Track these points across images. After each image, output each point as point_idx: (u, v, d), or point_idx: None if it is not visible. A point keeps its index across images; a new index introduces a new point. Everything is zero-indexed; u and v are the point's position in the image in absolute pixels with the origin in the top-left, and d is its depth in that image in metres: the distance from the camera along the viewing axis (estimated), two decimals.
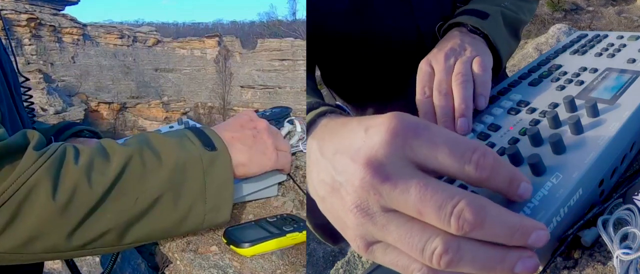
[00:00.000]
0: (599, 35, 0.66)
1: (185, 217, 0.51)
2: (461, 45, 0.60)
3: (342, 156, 0.30)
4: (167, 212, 0.49)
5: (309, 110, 0.42)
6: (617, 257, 0.35)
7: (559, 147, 0.42)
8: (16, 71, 0.69)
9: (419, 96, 0.55)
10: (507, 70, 0.83)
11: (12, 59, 0.68)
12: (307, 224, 0.53)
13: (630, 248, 0.35)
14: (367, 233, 0.30)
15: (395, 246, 0.29)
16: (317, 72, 0.87)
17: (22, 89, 0.70)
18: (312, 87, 0.64)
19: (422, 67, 0.57)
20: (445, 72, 0.55)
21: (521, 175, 0.32)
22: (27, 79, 0.72)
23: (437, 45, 0.63)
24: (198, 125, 0.93)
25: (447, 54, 0.57)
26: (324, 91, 0.87)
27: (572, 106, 0.47)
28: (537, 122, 0.48)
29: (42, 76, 15.43)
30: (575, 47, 0.64)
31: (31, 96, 0.73)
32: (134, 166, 0.48)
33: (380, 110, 0.42)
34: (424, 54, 0.60)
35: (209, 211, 0.52)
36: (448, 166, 0.29)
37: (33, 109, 0.72)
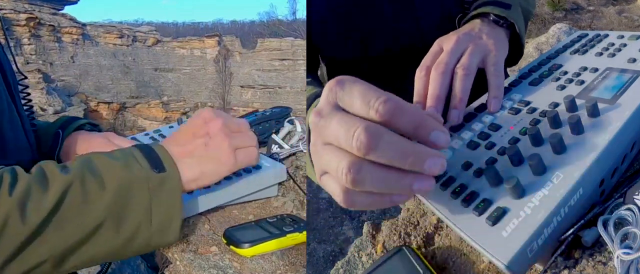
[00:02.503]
0: (599, 34, 0.66)
1: (130, 240, 0.49)
2: (478, 33, 0.58)
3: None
4: (108, 238, 0.47)
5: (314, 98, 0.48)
6: (617, 257, 0.35)
7: (559, 147, 0.41)
8: (15, 70, 0.69)
9: (418, 71, 0.54)
10: (507, 69, 0.82)
11: (11, 59, 0.68)
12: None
13: (630, 248, 0.35)
14: (317, 163, 0.38)
15: (328, 172, 0.37)
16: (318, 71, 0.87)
17: (20, 87, 0.70)
18: (316, 81, 0.64)
19: (433, 46, 0.56)
20: (451, 54, 0.53)
21: (434, 123, 0.37)
22: (25, 78, 0.72)
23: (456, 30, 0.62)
24: None
25: (460, 38, 0.56)
26: None
27: (572, 105, 0.46)
28: (537, 121, 0.48)
29: (41, 75, 15.42)
30: (576, 46, 0.64)
31: (29, 94, 0.73)
32: (73, 194, 0.46)
33: None
34: (425, 52, 0.60)
35: (155, 232, 0.50)
36: (360, 110, 0.36)
37: (32, 107, 0.72)
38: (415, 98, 0.52)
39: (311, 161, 0.41)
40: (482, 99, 0.58)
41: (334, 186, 0.37)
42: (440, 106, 0.51)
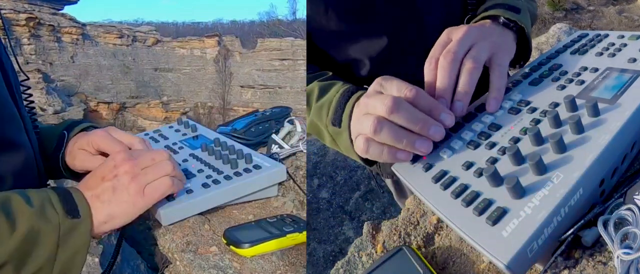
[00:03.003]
0: (599, 34, 0.66)
1: None
2: (489, 30, 0.60)
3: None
4: None
5: (351, 93, 0.59)
6: (617, 257, 0.35)
7: (559, 146, 0.41)
8: (16, 70, 0.69)
9: (427, 62, 0.55)
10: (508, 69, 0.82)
11: (12, 59, 0.68)
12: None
13: (631, 248, 0.35)
14: (354, 129, 0.55)
15: (360, 130, 0.52)
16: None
17: (22, 87, 0.70)
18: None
19: (442, 36, 0.57)
20: (460, 43, 0.54)
21: (444, 108, 0.51)
22: (27, 78, 0.72)
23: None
24: (198, 125, 0.93)
25: (470, 30, 0.56)
26: None
27: (572, 105, 0.46)
28: (537, 121, 0.48)
29: (41, 75, 15.41)
30: (576, 46, 0.64)
31: (31, 94, 0.73)
32: None
33: None
34: (428, 52, 0.60)
35: None
36: (394, 93, 0.51)
37: (33, 108, 0.72)
38: (425, 88, 0.54)
39: (349, 135, 0.55)
40: (483, 99, 0.58)
41: (360, 141, 0.50)
42: (448, 96, 0.53)
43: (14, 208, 0.49)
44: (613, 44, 0.60)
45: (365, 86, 0.58)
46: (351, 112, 0.55)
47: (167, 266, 0.61)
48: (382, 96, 0.50)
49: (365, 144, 0.50)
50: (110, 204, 0.55)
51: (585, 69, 0.56)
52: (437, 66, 0.53)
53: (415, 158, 0.51)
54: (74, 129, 0.72)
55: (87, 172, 0.62)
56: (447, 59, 0.53)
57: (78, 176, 0.71)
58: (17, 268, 0.48)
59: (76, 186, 0.57)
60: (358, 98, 0.55)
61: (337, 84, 0.63)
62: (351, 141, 0.55)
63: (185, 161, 0.77)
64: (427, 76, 0.55)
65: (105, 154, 0.68)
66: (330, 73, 0.69)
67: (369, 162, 0.60)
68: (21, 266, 0.48)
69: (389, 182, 1.04)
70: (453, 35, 0.56)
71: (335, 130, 0.58)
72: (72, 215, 0.51)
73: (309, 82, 0.67)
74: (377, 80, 0.53)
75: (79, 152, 0.69)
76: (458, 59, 0.53)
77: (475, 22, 0.68)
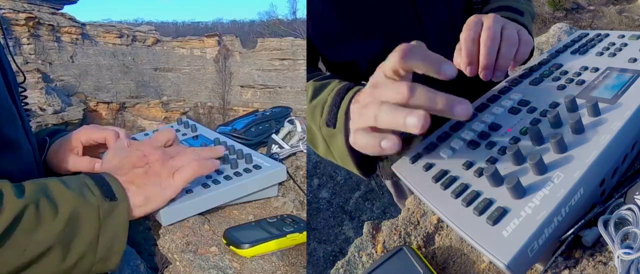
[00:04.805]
0: (600, 34, 0.66)
1: (73, 267, 0.50)
2: (506, 19, 0.62)
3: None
4: (54, 263, 0.49)
5: (347, 89, 0.55)
6: (618, 257, 0.35)
7: (560, 146, 0.41)
8: (14, 70, 0.69)
9: (466, 33, 0.58)
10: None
11: (10, 58, 0.68)
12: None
13: (631, 248, 0.35)
14: (362, 120, 0.49)
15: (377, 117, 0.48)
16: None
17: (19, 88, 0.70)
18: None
19: (471, 19, 0.60)
20: (495, 20, 0.58)
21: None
22: (25, 79, 0.73)
23: None
24: (198, 125, 0.93)
25: (496, 16, 0.59)
26: None
27: (573, 105, 0.46)
28: (538, 121, 0.48)
29: (40, 75, 15.40)
30: (576, 46, 0.64)
31: (26, 96, 0.73)
32: (27, 217, 0.47)
33: None
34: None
35: (98, 261, 0.51)
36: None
37: (28, 109, 0.73)
38: (467, 60, 0.57)
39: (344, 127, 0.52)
40: (483, 99, 0.58)
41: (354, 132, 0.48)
42: (491, 68, 0.57)
43: (54, 192, 0.50)
44: (613, 44, 0.60)
45: (363, 82, 0.58)
46: (347, 110, 0.52)
47: (166, 267, 0.61)
48: (392, 82, 0.46)
49: (354, 135, 0.48)
50: (144, 187, 0.57)
51: (586, 68, 0.56)
52: (478, 41, 0.57)
53: (416, 158, 0.51)
54: (57, 135, 0.73)
55: (77, 172, 0.64)
56: (490, 36, 0.56)
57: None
58: (64, 251, 0.49)
59: (105, 172, 0.58)
60: (355, 93, 0.52)
61: (333, 82, 0.59)
62: (347, 144, 0.52)
63: None
64: (466, 47, 0.57)
65: (93, 154, 0.70)
66: (328, 73, 0.68)
67: (366, 172, 0.60)
68: (66, 251, 0.49)
69: (388, 183, 1.03)
70: (484, 18, 0.59)
71: (329, 132, 0.55)
72: (109, 197, 0.53)
73: (307, 83, 0.67)
74: (378, 71, 0.49)
75: (65, 154, 0.70)
76: (498, 38, 0.57)
77: None
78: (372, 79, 0.50)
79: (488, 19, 0.58)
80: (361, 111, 0.49)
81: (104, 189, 0.53)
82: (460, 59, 0.58)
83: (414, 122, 0.42)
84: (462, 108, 0.42)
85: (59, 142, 0.72)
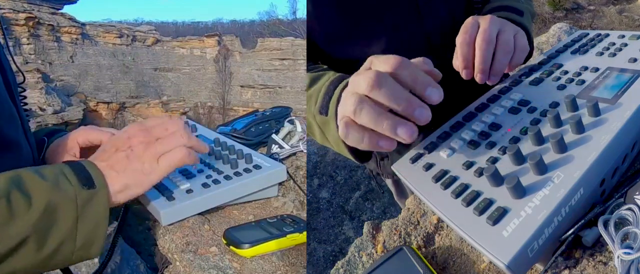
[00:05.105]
0: (600, 34, 0.66)
1: (52, 257, 0.49)
2: (504, 21, 0.64)
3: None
4: (30, 254, 0.48)
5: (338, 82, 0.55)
6: (618, 257, 0.35)
7: (560, 146, 0.41)
8: (14, 70, 0.69)
9: (462, 37, 0.59)
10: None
11: (10, 59, 0.68)
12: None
13: (631, 248, 0.35)
14: (340, 111, 0.49)
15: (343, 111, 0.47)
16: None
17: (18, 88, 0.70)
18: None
19: (468, 20, 0.61)
20: (492, 23, 0.59)
21: (430, 81, 0.44)
22: (24, 79, 0.73)
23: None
24: (198, 125, 0.92)
25: (493, 18, 0.61)
26: None
27: (573, 105, 0.46)
28: (538, 121, 0.48)
29: (40, 75, 15.39)
30: (577, 46, 0.64)
31: (25, 97, 0.73)
32: None
33: None
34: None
35: (78, 249, 0.51)
36: (379, 68, 0.46)
37: (27, 109, 0.73)
38: (462, 63, 0.59)
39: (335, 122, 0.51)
40: (483, 99, 0.58)
41: (341, 124, 0.46)
42: (486, 72, 0.58)
43: (27, 183, 0.49)
44: (613, 44, 0.60)
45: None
46: (339, 98, 0.51)
47: (166, 267, 0.61)
48: (368, 71, 0.45)
49: (345, 128, 0.45)
50: (125, 173, 0.55)
51: (586, 68, 0.56)
52: (473, 45, 0.58)
53: (416, 158, 0.51)
54: (55, 135, 0.73)
55: None
56: (485, 40, 0.58)
57: None
58: (38, 243, 0.48)
59: (90, 158, 0.57)
60: (347, 83, 0.52)
61: (329, 73, 0.60)
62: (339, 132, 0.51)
63: None
64: (462, 51, 0.59)
65: (90, 156, 0.69)
66: (326, 66, 0.68)
67: (360, 158, 0.58)
68: (43, 241, 0.48)
69: (389, 182, 1.03)
70: (481, 20, 0.60)
71: (322, 119, 0.55)
72: (87, 186, 0.51)
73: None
74: (370, 58, 0.49)
75: (62, 155, 0.70)
76: (493, 41, 0.58)
77: None
78: (361, 66, 0.50)
79: (484, 22, 0.59)
80: (344, 99, 0.48)
81: (82, 176, 0.52)
82: (457, 62, 0.59)
83: (385, 146, 0.43)
84: (406, 130, 0.42)
85: (56, 143, 0.72)
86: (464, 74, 0.60)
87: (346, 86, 0.52)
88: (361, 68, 0.49)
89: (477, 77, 0.59)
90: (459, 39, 0.59)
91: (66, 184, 0.51)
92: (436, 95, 0.44)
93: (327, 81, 0.57)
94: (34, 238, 0.48)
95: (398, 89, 0.43)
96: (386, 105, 0.43)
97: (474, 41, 0.58)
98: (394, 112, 0.43)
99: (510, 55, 0.59)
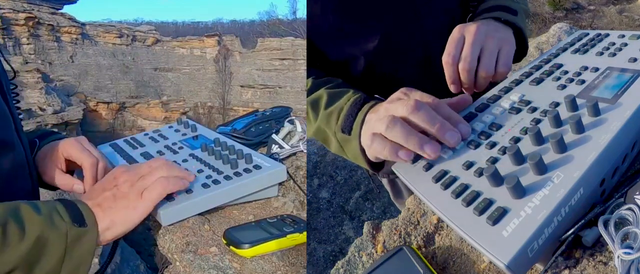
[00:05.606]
0: (600, 34, 0.66)
1: None
2: (494, 27, 0.67)
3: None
4: None
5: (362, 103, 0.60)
6: (618, 257, 0.35)
7: (560, 146, 0.41)
8: (7, 69, 0.69)
9: (446, 58, 0.64)
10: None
11: (1, 58, 0.69)
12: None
13: (631, 248, 0.35)
14: (371, 127, 0.55)
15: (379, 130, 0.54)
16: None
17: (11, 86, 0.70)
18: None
19: (454, 33, 0.64)
20: (474, 45, 0.63)
21: (452, 125, 0.50)
22: (15, 76, 0.73)
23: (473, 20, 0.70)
24: (198, 125, 0.92)
25: (480, 28, 0.64)
26: None
27: (573, 105, 0.46)
28: (538, 121, 0.48)
29: (40, 75, 15.39)
30: (577, 46, 0.64)
31: (18, 94, 0.73)
32: None
33: None
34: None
35: None
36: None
37: (19, 109, 0.73)
38: (449, 80, 0.65)
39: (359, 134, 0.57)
40: (483, 99, 0.58)
41: (366, 135, 0.54)
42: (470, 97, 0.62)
43: (23, 215, 0.51)
44: (614, 44, 0.60)
45: (376, 96, 0.64)
46: (363, 121, 0.57)
47: (166, 267, 0.61)
48: (405, 99, 0.53)
49: (371, 139, 0.52)
50: (111, 210, 0.57)
51: (586, 68, 0.56)
52: (456, 65, 0.63)
53: (416, 158, 0.51)
54: (47, 138, 0.74)
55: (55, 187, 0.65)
56: (466, 68, 0.63)
57: (44, 185, 0.73)
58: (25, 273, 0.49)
59: (79, 198, 0.59)
60: (371, 107, 0.58)
61: (348, 92, 0.64)
62: (361, 148, 0.56)
63: (185, 161, 0.77)
64: (449, 71, 0.64)
65: (71, 172, 0.71)
66: (340, 80, 0.70)
67: (376, 168, 0.61)
68: (30, 272, 0.49)
69: (385, 181, 1.04)
70: (466, 34, 0.64)
71: (344, 137, 0.60)
72: (79, 223, 0.53)
73: (314, 88, 0.68)
74: (401, 89, 0.56)
75: (49, 165, 0.71)
76: (473, 67, 0.63)
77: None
78: (393, 95, 0.57)
79: (469, 36, 0.63)
80: (376, 121, 0.53)
81: (74, 214, 0.54)
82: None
83: (404, 156, 0.49)
84: (432, 147, 0.48)
85: (45, 150, 0.73)
86: (452, 89, 0.65)
87: (370, 108, 0.57)
88: (392, 97, 0.56)
89: (464, 91, 0.64)
90: (443, 58, 0.64)
91: (59, 220, 0.52)
92: (466, 129, 0.50)
93: (348, 100, 0.62)
94: (21, 269, 0.49)
95: (435, 114, 0.50)
96: (421, 126, 0.49)
97: (457, 63, 0.63)
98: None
99: (490, 76, 0.64)
